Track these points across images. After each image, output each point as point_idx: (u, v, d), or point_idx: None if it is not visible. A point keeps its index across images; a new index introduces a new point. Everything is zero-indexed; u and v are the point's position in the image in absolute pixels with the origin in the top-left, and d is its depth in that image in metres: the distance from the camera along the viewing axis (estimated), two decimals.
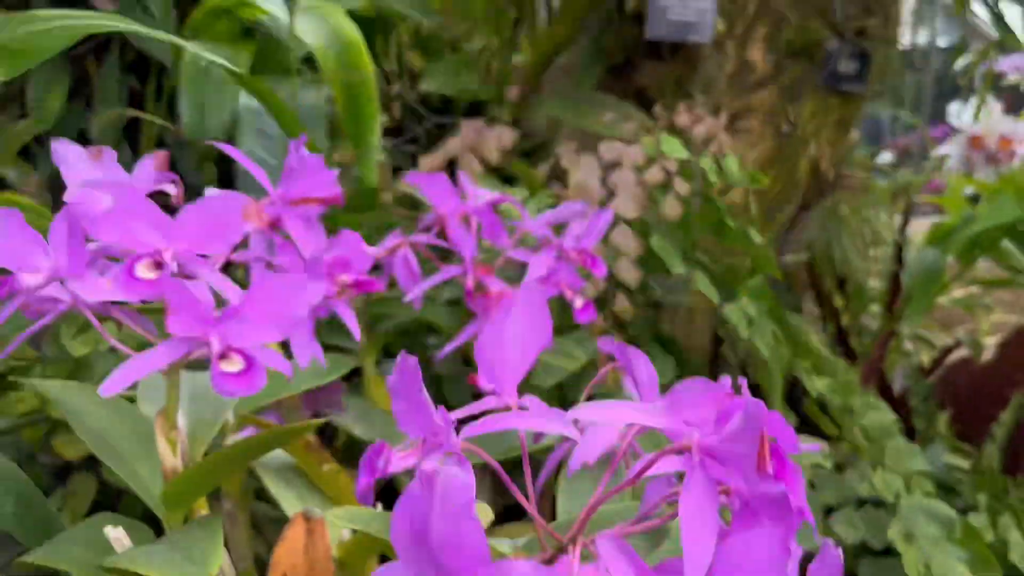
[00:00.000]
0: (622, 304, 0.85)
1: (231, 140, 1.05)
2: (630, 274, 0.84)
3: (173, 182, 0.54)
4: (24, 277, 0.42)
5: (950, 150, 1.54)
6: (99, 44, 1.28)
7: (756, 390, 1.04)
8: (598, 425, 0.45)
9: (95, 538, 0.55)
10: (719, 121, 1.08)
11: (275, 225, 0.54)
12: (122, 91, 1.28)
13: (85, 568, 0.52)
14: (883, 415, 1.00)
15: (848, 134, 1.57)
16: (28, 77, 1.21)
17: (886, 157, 3.30)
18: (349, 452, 0.82)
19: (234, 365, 0.42)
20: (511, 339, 0.41)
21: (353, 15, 1.21)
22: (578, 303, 0.70)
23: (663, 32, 1.26)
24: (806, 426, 1.07)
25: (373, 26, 1.39)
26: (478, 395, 0.42)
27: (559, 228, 0.83)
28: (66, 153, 0.53)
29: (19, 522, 0.67)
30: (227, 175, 1.22)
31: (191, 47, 1.05)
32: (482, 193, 0.75)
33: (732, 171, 0.91)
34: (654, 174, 0.86)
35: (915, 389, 1.35)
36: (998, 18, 1.60)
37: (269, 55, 1.19)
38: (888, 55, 1.47)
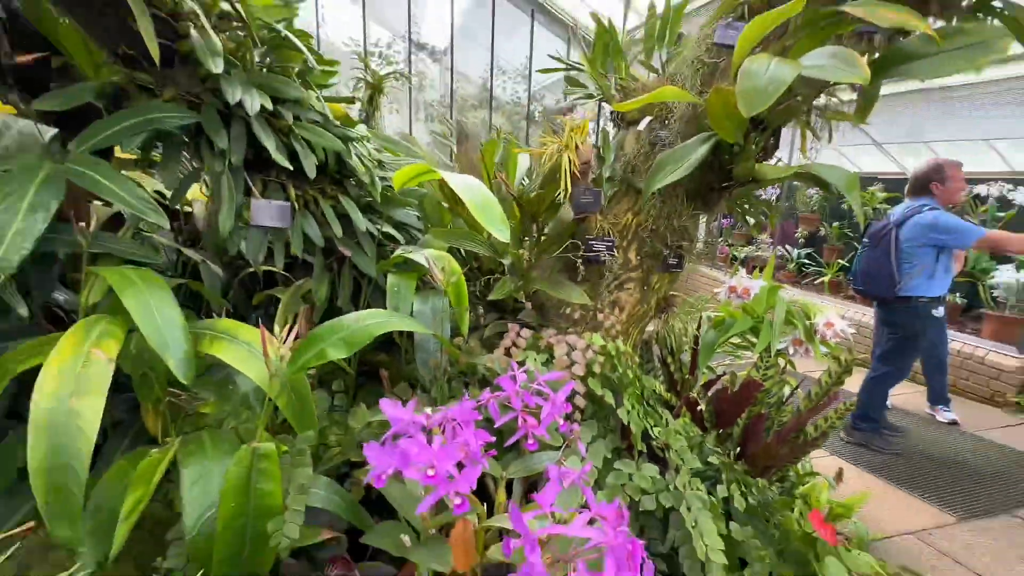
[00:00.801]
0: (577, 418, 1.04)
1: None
2: (581, 403, 1.02)
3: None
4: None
5: (721, 292, 1.70)
6: (339, 259, 1.38)
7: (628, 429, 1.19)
8: None
9: (395, 533, 0.74)
10: (620, 316, 1.24)
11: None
12: (351, 284, 1.36)
13: (394, 546, 0.72)
14: (682, 442, 1.08)
15: (674, 285, 1.62)
16: (311, 278, 1.35)
17: None
18: None
19: (458, 500, 0.64)
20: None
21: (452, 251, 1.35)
22: (562, 423, 0.90)
23: (592, 261, 1.40)
24: (652, 453, 1.14)
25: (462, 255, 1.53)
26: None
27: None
28: (388, 406, 0.74)
29: (353, 515, 0.86)
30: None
31: (391, 279, 1.22)
32: (521, 372, 0.95)
33: (620, 349, 1.10)
34: (589, 353, 1.05)
35: (707, 410, 1.42)
36: None
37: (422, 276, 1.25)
38: (691, 254, 1.55)
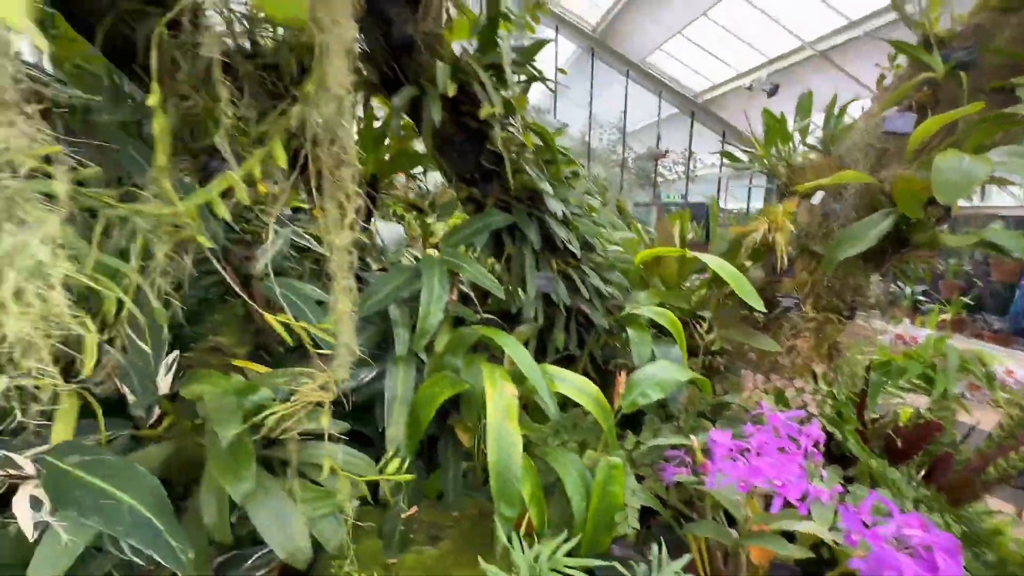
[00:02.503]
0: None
1: None
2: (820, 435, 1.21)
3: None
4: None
5: (886, 339, 1.81)
6: (567, 311, 1.70)
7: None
8: None
9: (713, 527, 0.97)
10: (822, 366, 1.43)
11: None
12: (576, 332, 1.69)
13: (717, 535, 0.94)
14: (897, 474, 1.24)
15: (842, 332, 1.74)
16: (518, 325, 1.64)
17: None
18: None
19: (799, 504, 0.85)
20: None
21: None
22: (811, 446, 1.10)
23: (779, 309, 1.60)
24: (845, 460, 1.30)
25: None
26: None
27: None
28: (716, 435, 0.98)
29: (663, 511, 1.09)
30: None
31: (631, 332, 1.48)
32: (773, 412, 1.16)
33: (833, 391, 1.28)
34: (818, 396, 1.24)
35: (877, 444, 1.46)
36: None
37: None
38: (865, 308, 1.71)
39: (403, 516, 1.19)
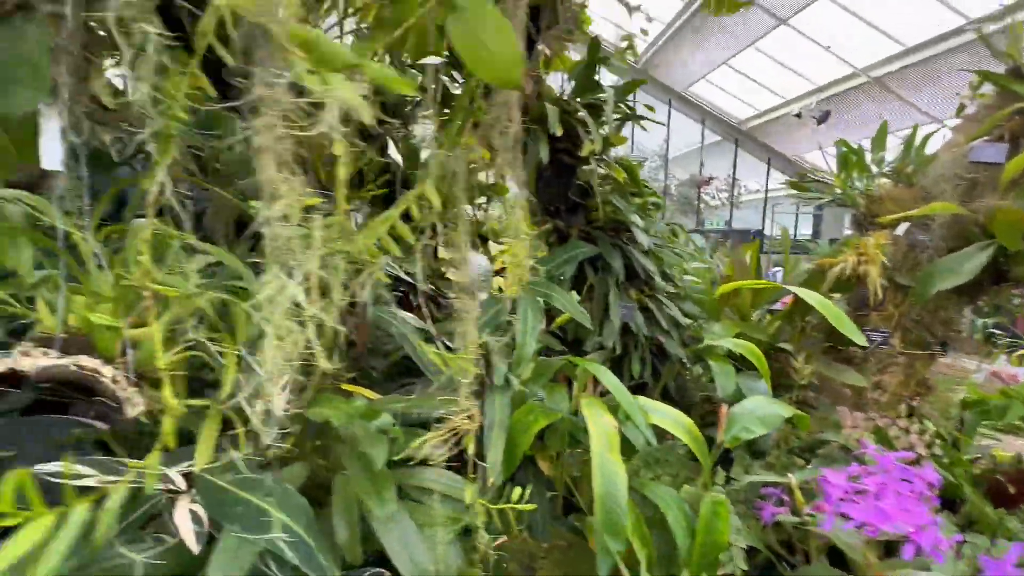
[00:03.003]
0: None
1: None
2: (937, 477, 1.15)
3: None
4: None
5: (979, 376, 1.72)
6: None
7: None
8: None
9: (825, 570, 0.93)
10: (884, 397, 1.36)
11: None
12: (651, 362, 1.68)
13: None
14: (1000, 513, 1.16)
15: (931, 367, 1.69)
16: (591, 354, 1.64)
17: None
18: None
19: (933, 552, 0.82)
20: None
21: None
22: (925, 488, 1.04)
23: (873, 344, 1.55)
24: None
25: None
26: None
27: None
28: (829, 475, 0.95)
29: (767, 550, 1.05)
30: None
31: (714, 364, 1.47)
32: (882, 452, 1.12)
33: (955, 435, 1.22)
34: (926, 437, 1.19)
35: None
36: None
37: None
38: (956, 342, 1.62)
39: (494, 544, 1.19)
